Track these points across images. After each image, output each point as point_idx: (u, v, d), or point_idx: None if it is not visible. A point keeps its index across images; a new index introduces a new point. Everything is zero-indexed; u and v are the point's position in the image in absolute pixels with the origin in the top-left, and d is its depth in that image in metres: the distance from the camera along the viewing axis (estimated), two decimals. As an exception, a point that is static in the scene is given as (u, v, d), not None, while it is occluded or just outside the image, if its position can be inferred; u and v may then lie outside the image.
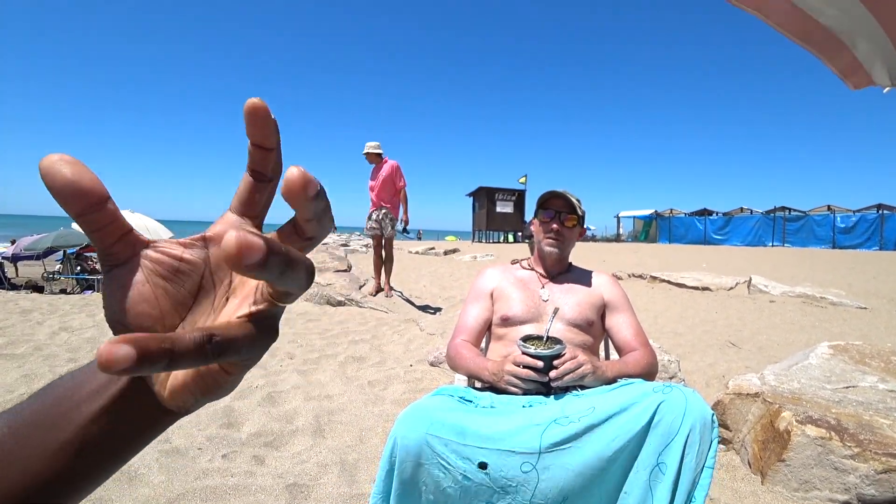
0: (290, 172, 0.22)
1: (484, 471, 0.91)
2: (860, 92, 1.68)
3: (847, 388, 1.91)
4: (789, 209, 21.01)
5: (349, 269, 5.49)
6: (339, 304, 4.58)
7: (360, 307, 4.49)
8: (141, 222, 8.46)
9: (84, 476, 0.26)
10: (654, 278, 7.14)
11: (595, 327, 1.35)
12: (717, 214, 23.27)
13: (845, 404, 1.75)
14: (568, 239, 1.43)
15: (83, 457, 0.26)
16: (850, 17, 1.22)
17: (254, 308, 0.25)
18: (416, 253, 12.35)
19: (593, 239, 26.16)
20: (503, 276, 1.46)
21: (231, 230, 0.18)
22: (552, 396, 1.10)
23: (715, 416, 0.94)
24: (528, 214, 17.19)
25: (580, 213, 1.44)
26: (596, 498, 0.93)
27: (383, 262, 4.90)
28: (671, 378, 2.52)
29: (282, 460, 1.73)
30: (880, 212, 18.73)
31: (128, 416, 0.27)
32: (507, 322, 1.35)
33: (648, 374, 1.23)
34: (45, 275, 8.93)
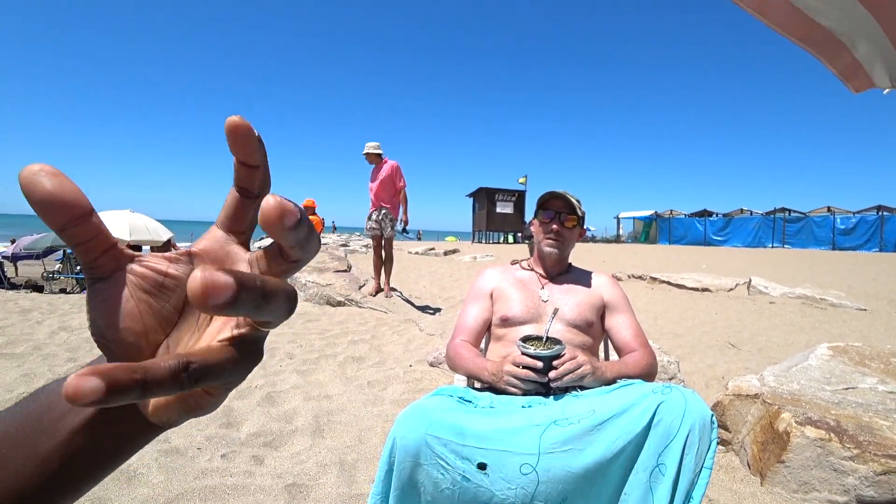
0: (266, 202, 0.20)
1: (483, 471, 0.91)
2: (860, 93, 1.68)
3: (847, 389, 1.91)
4: (789, 210, 21.02)
5: (349, 269, 5.48)
6: (339, 304, 4.58)
7: (360, 307, 4.49)
8: (141, 222, 8.46)
9: (72, 482, 0.27)
10: (654, 279, 7.14)
11: (595, 328, 1.35)
12: (717, 215, 23.28)
13: (845, 406, 1.75)
14: (568, 239, 1.43)
15: (70, 465, 0.26)
16: (849, 17, 1.22)
17: (236, 332, 0.24)
18: (416, 253, 12.35)
19: (593, 240, 26.17)
20: (503, 276, 1.46)
21: (197, 269, 0.18)
22: (552, 397, 1.10)
23: (714, 417, 0.94)
24: (528, 215, 17.19)
25: (580, 213, 1.44)
26: (595, 499, 0.93)
27: (383, 262, 4.90)
28: (671, 379, 2.52)
29: (281, 460, 1.73)
30: (880, 213, 18.74)
31: (112, 429, 0.27)
32: (506, 322, 1.35)
33: (648, 374, 1.23)
34: (44, 274, 8.93)
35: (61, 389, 0.27)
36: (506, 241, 21.46)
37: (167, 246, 9.04)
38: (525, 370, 1.10)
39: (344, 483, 1.59)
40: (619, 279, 6.58)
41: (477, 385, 1.30)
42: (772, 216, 21.13)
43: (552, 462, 0.91)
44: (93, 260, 0.24)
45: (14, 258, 9.20)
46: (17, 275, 9.30)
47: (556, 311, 1.24)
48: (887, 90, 1.54)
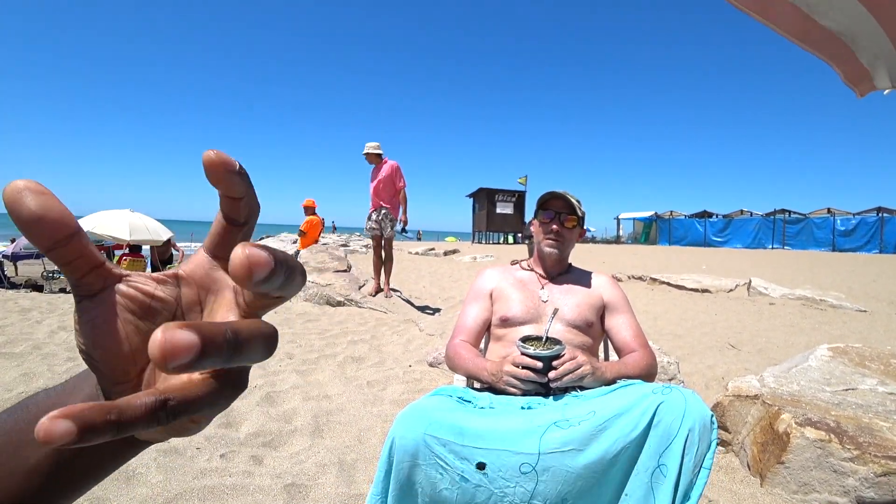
0: (234, 255, 0.19)
1: (482, 471, 0.91)
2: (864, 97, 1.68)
3: (846, 390, 1.90)
4: (789, 212, 21.02)
5: (349, 269, 5.48)
6: (339, 304, 4.58)
7: (360, 307, 4.49)
8: (140, 222, 8.44)
9: (60, 492, 0.27)
10: (654, 280, 7.14)
11: (594, 328, 1.35)
12: (717, 216, 23.28)
13: (845, 407, 1.74)
14: (568, 240, 1.43)
15: (58, 476, 0.26)
16: (848, 17, 1.22)
17: None
18: (416, 254, 12.35)
19: (593, 241, 26.17)
20: (502, 276, 1.46)
21: (158, 329, 0.17)
22: (551, 397, 1.10)
23: (714, 418, 0.93)
24: (528, 215, 17.19)
25: (580, 213, 1.44)
26: (595, 499, 0.93)
27: (383, 262, 4.90)
28: (670, 380, 2.52)
29: (280, 460, 1.72)
30: (880, 215, 18.74)
31: (98, 444, 0.27)
32: (506, 323, 1.35)
33: (648, 375, 1.23)
34: (44, 274, 8.92)
35: (49, 400, 0.27)
36: (506, 242, 21.45)
37: (167, 246, 9.04)
38: (525, 370, 1.10)
39: (343, 483, 1.59)
40: (619, 280, 6.57)
41: (476, 385, 1.30)
42: (772, 217, 21.13)
43: (552, 462, 0.91)
44: (80, 278, 0.23)
45: (14, 257, 9.19)
46: (16, 274, 9.29)
47: (555, 312, 1.24)
48: (888, 91, 1.54)
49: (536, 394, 1.11)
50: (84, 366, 0.26)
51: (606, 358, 1.58)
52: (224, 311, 0.25)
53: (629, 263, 11.02)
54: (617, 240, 27.34)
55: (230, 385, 0.23)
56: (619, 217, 28.09)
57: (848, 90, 1.64)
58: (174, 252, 9.33)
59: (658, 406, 0.93)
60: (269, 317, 4.22)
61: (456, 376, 1.50)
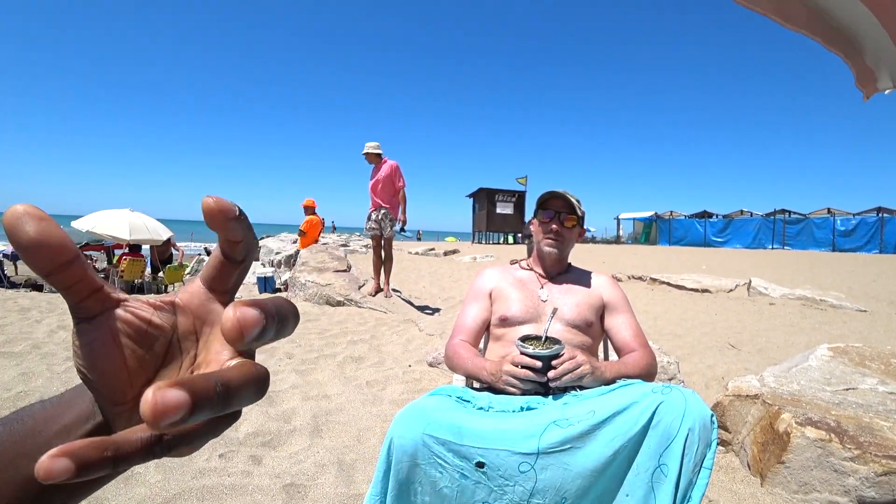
0: (226, 317, 0.20)
1: (481, 470, 0.91)
2: (859, 94, 1.67)
3: (847, 390, 1.90)
4: (789, 212, 21.01)
5: (349, 269, 5.48)
6: (339, 304, 4.58)
7: (360, 307, 4.48)
8: (140, 221, 8.44)
9: (57, 502, 0.27)
10: (654, 280, 7.14)
11: (594, 328, 1.35)
12: (717, 217, 23.27)
13: (845, 406, 1.74)
14: (567, 239, 1.43)
15: (53, 488, 0.26)
16: (850, 15, 1.21)
17: None
18: (416, 254, 12.35)
19: (593, 241, 26.16)
20: (502, 276, 1.46)
21: (149, 389, 0.18)
22: (550, 397, 1.10)
23: (714, 417, 0.93)
24: (528, 215, 17.18)
25: (580, 213, 1.43)
26: (594, 497, 0.93)
27: (383, 262, 4.89)
28: (670, 380, 2.51)
29: (279, 460, 1.72)
30: (880, 215, 18.73)
31: None
32: (505, 322, 1.35)
33: (648, 374, 1.22)
34: (44, 273, 8.90)
35: (45, 412, 0.27)
36: (506, 242, 21.44)
37: (167, 245, 9.04)
38: (524, 370, 1.10)
39: (342, 483, 1.59)
40: (619, 280, 6.57)
41: (476, 385, 1.29)
42: (772, 217, 21.13)
43: (550, 460, 0.91)
44: (78, 302, 0.24)
45: (14, 257, 9.19)
46: (16, 273, 9.29)
47: (555, 311, 1.24)
48: (888, 90, 1.53)
49: (536, 393, 1.11)
50: None
51: (606, 358, 1.58)
52: (219, 344, 0.26)
53: (629, 263, 11.02)
54: (617, 240, 27.34)
55: (225, 419, 0.24)
56: (619, 217, 28.08)
57: (848, 90, 1.63)
58: (174, 251, 9.33)
59: (658, 406, 0.93)
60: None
61: (455, 376, 1.50)
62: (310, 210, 7.06)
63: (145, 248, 8.67)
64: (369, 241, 5.71)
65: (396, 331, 3.70)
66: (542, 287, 1.42)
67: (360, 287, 5.05)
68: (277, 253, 8.00)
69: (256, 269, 6.23)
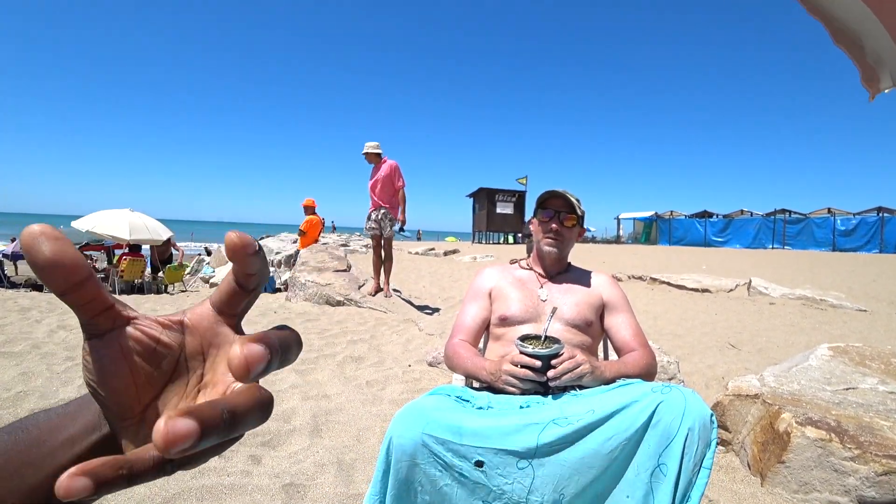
0: (233, 354, 0.21)
1: (480, 469, 0.91)
2: (860, 94, 1.67)
3: (847, 389, 1.90)
4: (789, 212, 21.01)
5: (348, 268, 5.48)
6: (339, 303, 4.58)
7: (360, 307, 4.48)
8: (140, 221, 8.44)
9: None
10: (654, 280, 7.13)
11: (594, 327, 1.34)
12: (717, 217, 23.27)
13: (845, 406, 1.74)
14: (567, 239, 1.42)
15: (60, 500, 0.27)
16: (851, 13, 1.21)
17: None
18: (416, 253, 12.34)
19: (593, 240, 26.15)
20: (502, 275, 1.46)
21: (161, 418, 0.19)
22: (550, 396, 1.10)
23: (714, 417, 0.93)
24: (528, 215, 17.18)
25: (579, 212, 1.43)
26: (592, 495, 0.93)
27: (382, 262, 4.89)
28: (670, 379, 2.51)
29: (279, 460, 1.72)
30: (880, 215, 18.73)
31: None
32: (505, 322, 1.34)
33: (647, 374, 1.22)
34: (44, 273, 8.90)
35: (50, 422, 0.28)
36: (506, 242, 21.44)
37: (167, 245, 9.04)
38: (524, 369, 1.09)
39: (342, 483, 1.59)
40: (619, 280, 6.57)
41: (475, 384, 1.29)
42: (772, 217, 21.12)
43: (549, 458, 0.91)
44: (90, 319, 0.25)
45: (14, 257, 9.20)
46: (16, 273, 9.29)
47: (554, 310, 1.24)
48: (889, 89, 1.53)
49: (535, 393, 1.11)
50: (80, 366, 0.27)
51: (606, 357, 1.57)
52: (225, 366, 0.27)
53: (629, 263, 11.02)
54: (617, 240, 27.33)
55: (230, 440, 0.25)
56: (620, 217, 28.08)
57: (848, 90, 1.63)
58: (174, 251, 9.33)
59: (658, 405, 0.93)
60: (270, 315, 4.21)
61: (455, 376, 1.50)
62: (310, 210, 7.06)
63: (145, 248, 8.67)
64: (369, 241, 5.70)
65: (396, 330, 3.70)
66: (542, 286, 1.41)
67: (359, 287, 5.04)
68: (277, 253, 7.99)
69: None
